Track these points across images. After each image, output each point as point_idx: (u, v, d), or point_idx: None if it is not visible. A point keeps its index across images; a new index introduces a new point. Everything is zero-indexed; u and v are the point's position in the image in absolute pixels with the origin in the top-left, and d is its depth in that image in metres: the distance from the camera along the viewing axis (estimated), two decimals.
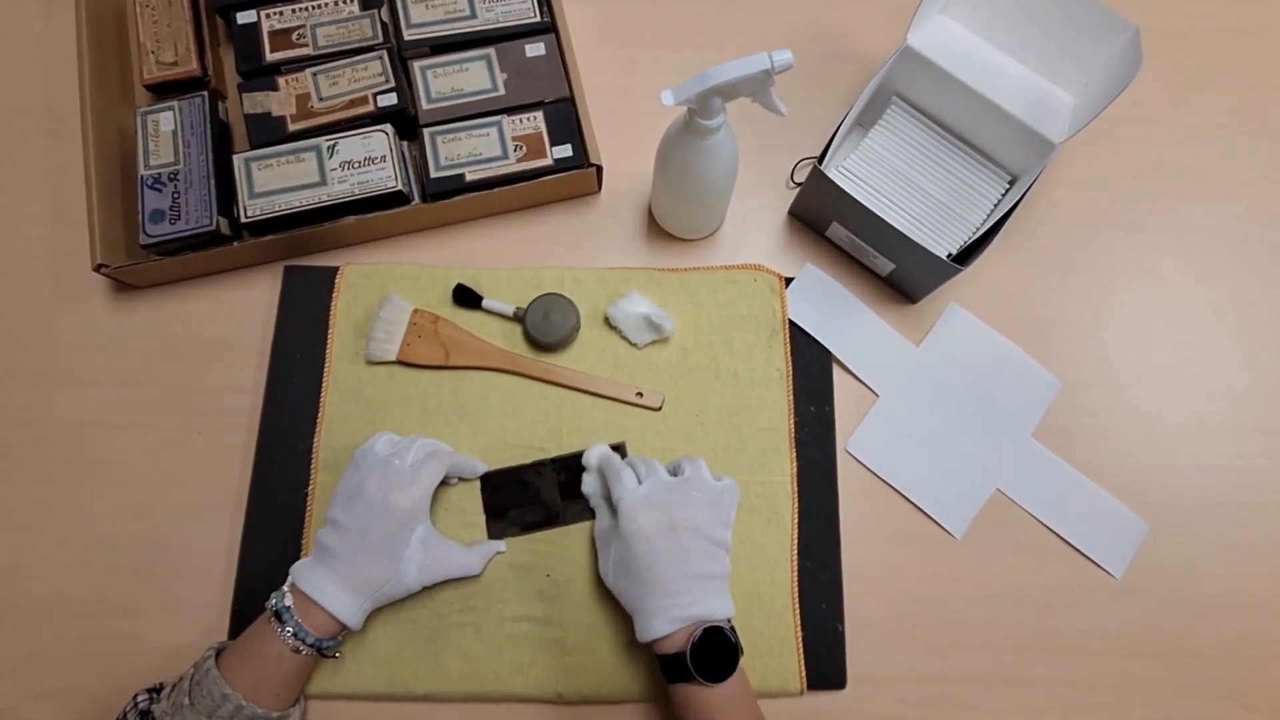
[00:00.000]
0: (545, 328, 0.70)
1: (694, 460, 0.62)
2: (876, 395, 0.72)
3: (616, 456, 0.65)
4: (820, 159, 0.68)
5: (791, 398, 0.71)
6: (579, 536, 0.67)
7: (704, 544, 0.58)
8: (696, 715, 0.55)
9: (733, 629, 0.57)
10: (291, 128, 0.72)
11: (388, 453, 0.61)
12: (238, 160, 0.71)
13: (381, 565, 0.58)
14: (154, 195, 0.69)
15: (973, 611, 0.68)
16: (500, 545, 0.66)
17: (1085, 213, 0.78)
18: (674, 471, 0.62)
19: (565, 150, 0.73)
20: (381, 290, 0.71)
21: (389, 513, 0.58)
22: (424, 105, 0.74)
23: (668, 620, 0.56)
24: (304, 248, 0.73)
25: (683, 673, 0.55)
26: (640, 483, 0.60)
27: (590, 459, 0.65)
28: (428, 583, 0.61)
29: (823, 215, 0.73)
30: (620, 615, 0.64)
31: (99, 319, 0.72)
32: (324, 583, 0.57)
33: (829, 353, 0.72)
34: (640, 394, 0.70)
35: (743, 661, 0.56)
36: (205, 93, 0.73)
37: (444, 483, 0.65)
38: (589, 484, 0.65)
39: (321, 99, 0.73)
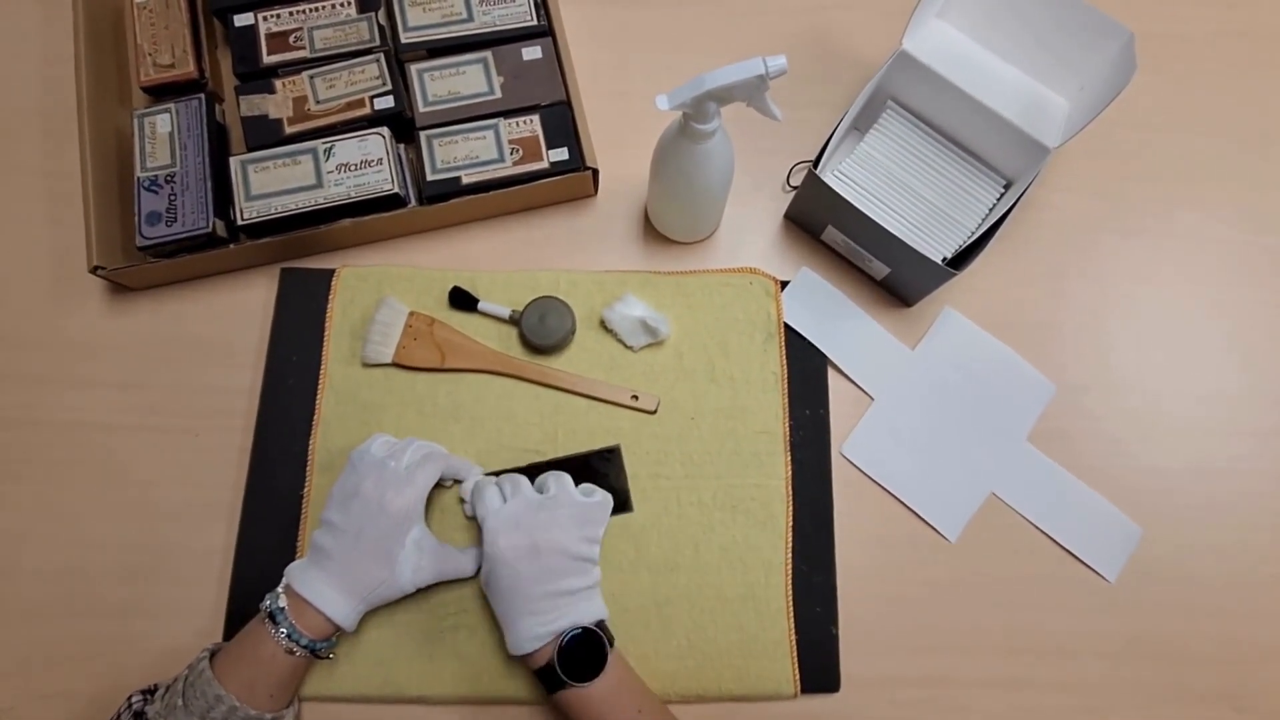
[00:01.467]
0: (541, 330, 0.70)
1: (559, 476, 0.62)
2: (871, 399, 0.72)
3: (487, 478, 0.65)
4: (816, 163, 0.68)
5: (786, 401, 0.71)
6: None
7: (567, 562, 0.58)
8: (583, 716, 0.57)
9: (600, 626, 0.58)
10: (288, 130, 0.72)
11: (384, 454, 0.61)
12: (234, 162, 0.71)
13: (376, 567, 0.58)
14: (151, 197, 0.70)
15: (966, 615, 0.68)
16: None
17: (1080, 217, 0.78)
18: (540, 489, 0.62)
19: (561, 153, 0.73)
20: (378, 292, 0.72)
21: (384, 514, 0.58)
22: (421, 108, 0.74)
23: (533, 638, 0.57)
24: (300, 250, 0.73)
25: (558, 681, 0.56)
26: (505, 501, 0.61)
27: (465, 488, 0.66)
28: (422, 584, 0.61)
29: (818, 219, 0.73)
30: (613, 618, 0.64)
31: (95, 321, 0.72)
32: (318, 584, 0.57)
33: (824, 356, 0.72)
34: (635, 397, 0.70)
35: (615, 654, 0.58)
36: (202, 95, 0.73)
37: (439, 485, 0.65)
38: (467, 508, 0.65)
39: (318, 101, 0.73)
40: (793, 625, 0.66)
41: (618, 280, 0.73)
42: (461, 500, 0.66)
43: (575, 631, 0.57)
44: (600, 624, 0.59)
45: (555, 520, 0.59)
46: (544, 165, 0.73)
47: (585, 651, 0.57)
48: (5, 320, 0.72)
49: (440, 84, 0.74)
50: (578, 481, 0.67)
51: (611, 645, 0.58)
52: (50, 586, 0.66)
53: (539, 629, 0.57)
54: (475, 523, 0.66)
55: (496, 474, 0.67)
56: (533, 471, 0.68)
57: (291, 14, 0.75)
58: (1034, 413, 0.73)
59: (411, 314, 0.71)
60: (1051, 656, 0.67)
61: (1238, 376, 0.75)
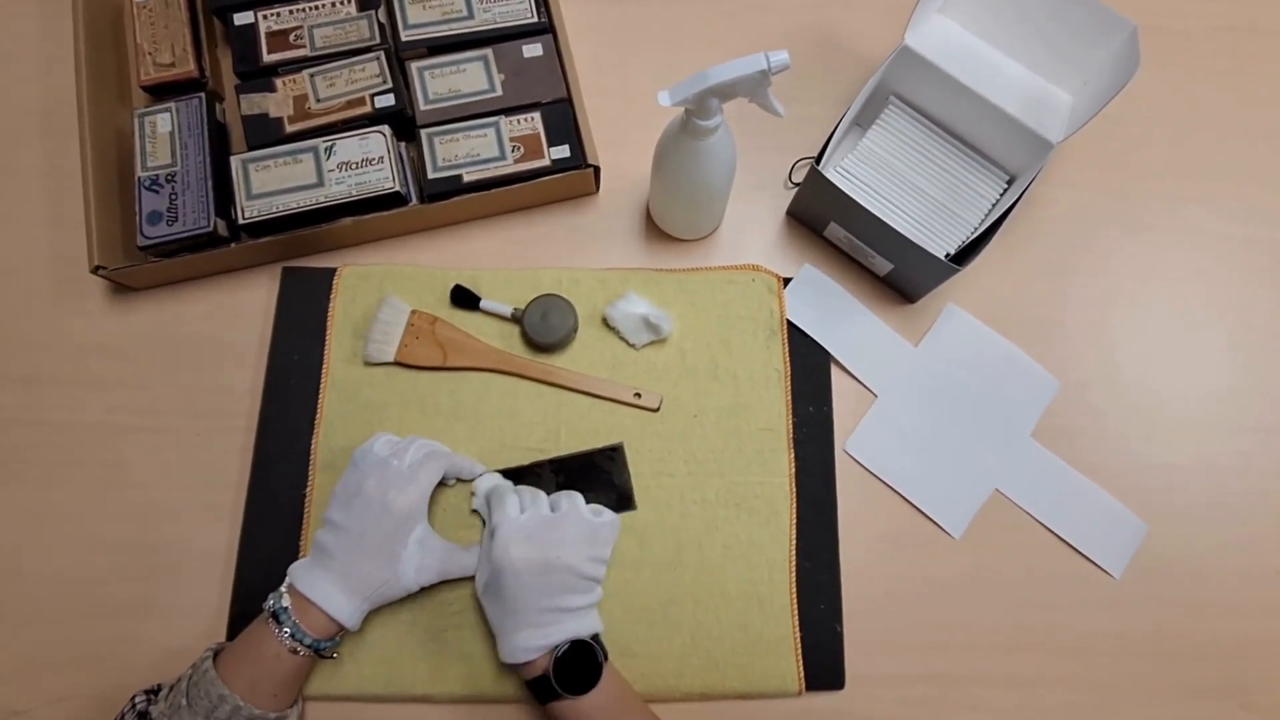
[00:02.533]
0: (543, 328, 0.70)
1: (570, 495, 0.62)
2: (875, 395, 0.72)
3: (508, 484, 0.65)
4: (818, 159, 0.68)
5: (789, 398, 0.71)
6: None
7: (573, 579, 0.58)
8: None
9: (595, 639, 0.58)
10: (289, 129, 0.72)
11: (386, 453, 0.61)
12: (235, 161, 0.71)
13: (379, 566, 0.58)
14: (151, 197, 0.69)
15: (971, 612, 0.68)
16: None
17: (1083, 212, 0.78)
18: (553, 506, 0.62)
19: (563, 151, 0.73)
20: (379, 291, 0.71)
21: (387, 513, 0.58)
22: (421, 106, 0.74)
23: (529, 649, 0.57)
24: (302, 249, 0.73)
25: (550, 691, 0.56)
26: (522, 512, 0.60)
27: (481, 485, 0.65)
28: (426, 583, 0.61)
29: (821, 215, 0.73)
30: (617, 616, 0.64)
31: (97, 321, 0.72)
32: (322, 583, 0.57)
33: (827, 353, 0.72)
34: (638, 395, 0.70)
35: (609, 668, 0.58)
36: (203, 94, 0.73)
37: (442, 484, 0.65)
38: (477, 502, 0.65)
39: (319, 100, 0.73)
40: (797, 623, 0.66)
41: (620, 278, 0.73)
42: (472, 494, 0.66)
43: (570, 644, 0.57)
44: (595, 638, 0.59)
45: (566, 538, 0.59)
46: (545, 163, 0.72)
47: (579, 664, 0.57)
48: (6, 320, 0.72)
49: (441, 82, 0.74)
50: (583, 480, 0.67)
51: (605, 659, 0.58)
52: (52, 587, 0.66)
53: (535, 641, 0.57)
54: (479, 518, 0.66)
55: (511, 471, 0.67)
56: (537, 469, 0.68)
57: (291, 12, 0.75)
58: (1038, 409, 0.72)
59: (413, 313, 0.71)
60: (1056, 653, 0.67)
61: (1242, 372, 0.75)
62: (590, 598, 0.60)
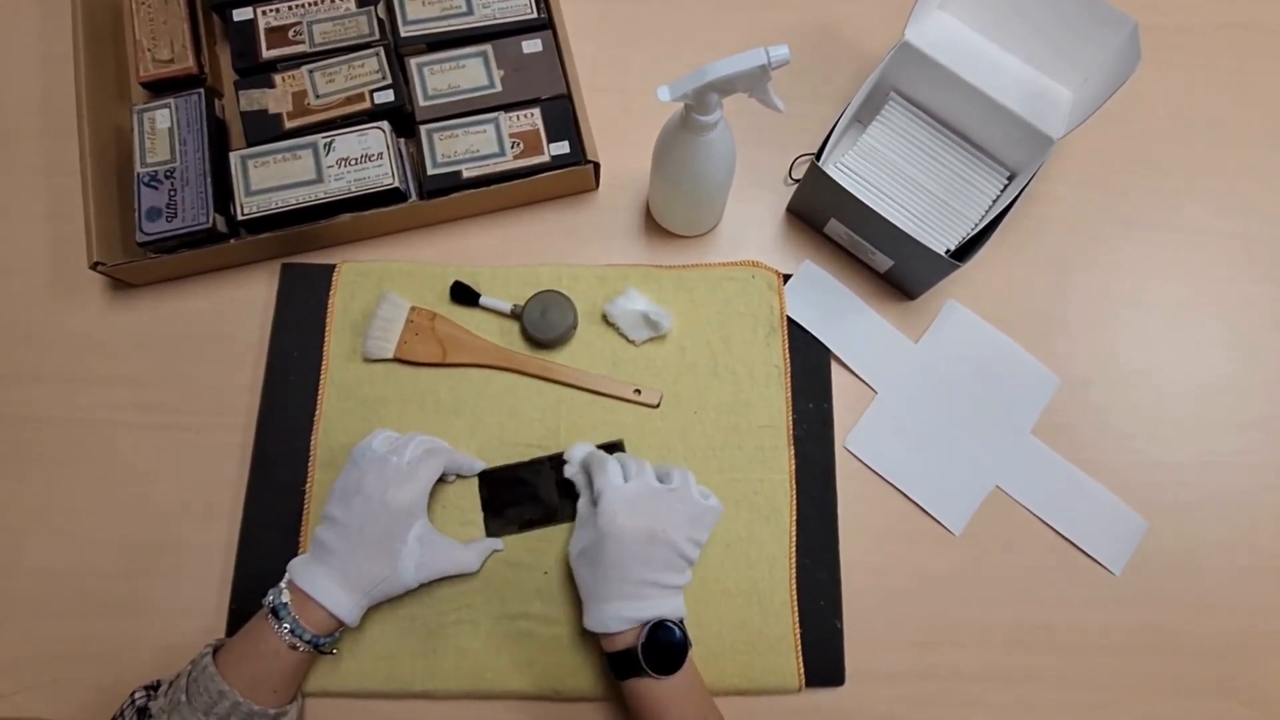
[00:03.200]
0: (543, 325, 0.69)
1: (684, 471, 0.62)
2: (875, 392, 0.72)
3: (602, 451, 0.65)
4: (818, 155, 0.68)
5: (790, 395, 0.71)
6: None
7: (673, 556, 0.58)
8: (649, 708, 0.56)
9: (680, 624, 0.58)
10: (288, 125, 0.72)
11: (386, 449, 0.61)
12: (234, 158, 0.71)
13: (379, 562, 0.58)
14: (150, 193, 0.69)
15: (971, 608, 0.68)
16: (498, 543, 0.66)
17: (1084, 208, 0.78)
18: (662, 478, 0.61)
19: (562, 147, 0.73)
20: (379, 288, 0.71)
21: (386, 510, 0.58)
22: (421, 102, 0.73)
23: (620, 620, 0.57)
24: (301, 245, 0.73)
25: (633, 668, 0.56)
26: (626, 480, 0.60)
27: (574, 453, 0.65)
28: (425, 580, 0.61)
29: (821, 212, 0.73)
30: None
31: (96, 317, 0.72)
32: (321, 579, 0.57)
33: (827, 350, 0.72)
34: (638, 391, 0.70)
35: (692, 654, 0.57)
36: (201, 90, 0.72)
37: (441, 480, 0.65)
38: (570, 470, 0.65)
39: (318, 96, 0.73)
40: (797, 619, 0.66)
41: (619, 274, 0.73)
42: (564, 463, 0.65)
43: (664, 622, 0.56)
44: (680, 621, 0.58)
45: (674, 513, 0.59)
46: (545, 159, 0.72)
47: (663, 645, 0.56)
48: (5, 316, 0.72)
49: (440, 78, 0.74)
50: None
51: (690, 644, 0.57)
52: (52, 583, 0.66)
53: (628, 612, 0.56)
54: (478, 515, 0.66)
55: (499, 471, 0.67)
56: (536, 466, 0.68)
57: (290, 8, 0.75)
58: (1038, 406, 0.72)
59: (413, 309, 0.71)
60: (1056, 650, 0.67)
61: (1243, 369, 0.74)
62: (683, 578, 0.59)
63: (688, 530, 0.59)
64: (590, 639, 0.63)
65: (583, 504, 0.63)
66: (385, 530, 0.58)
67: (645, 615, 0.57)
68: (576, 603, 0.65)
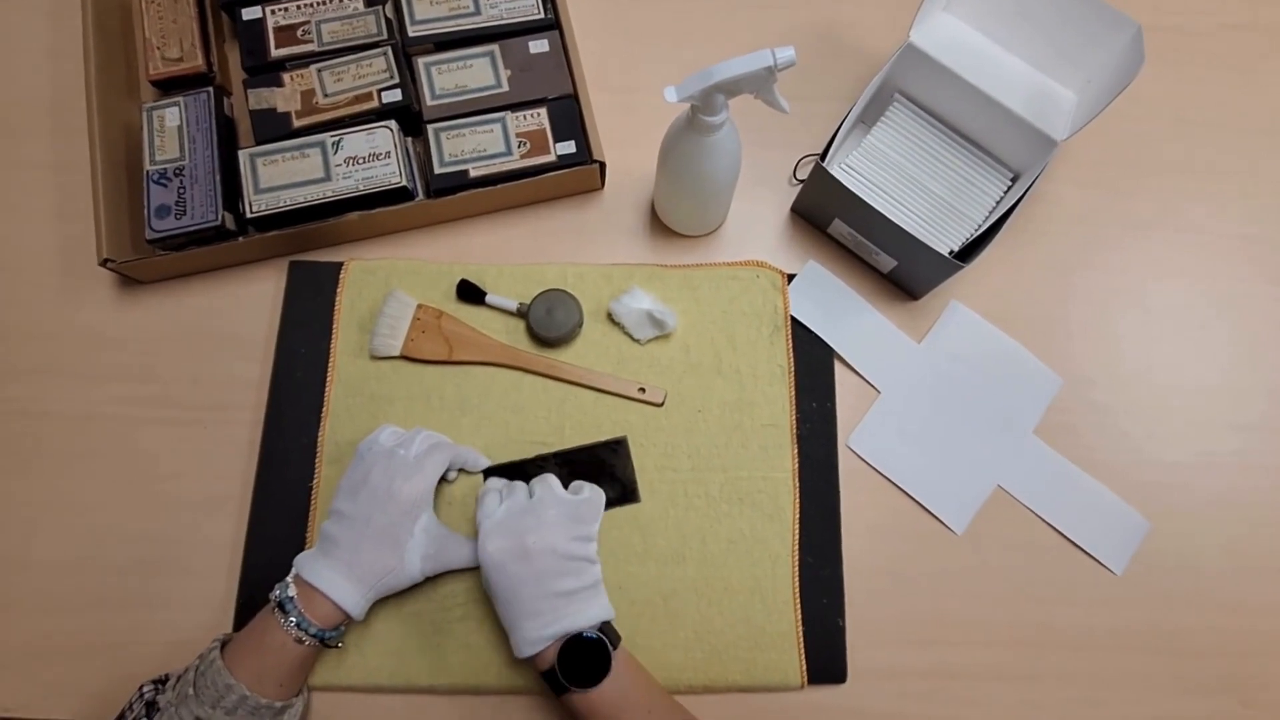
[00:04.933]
0: (548, 323, 0.70)
1: (544, 479, 0.62)
2: (878, 391, 0.72)
3: (494, 482, 0.64)
4: (823, 156, 0.68)
5: (793, 393, 0.71)
6: None
7: (559, 562, 0.57)
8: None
9: (603, 629, 0.57)
10: (296, 124, 0.72)
11: (392, 444, 0.62)
12: (243, 156, 0.71)
13: (385, 554, 0.59)
14: (160, 190, 0.70)
15: (973, 607, 0.68)
16: None
17: (1087, 210, 0.78)
18: (530, 494, 0.61)
19: (569, 147, 0.73)
20: (385, 285, 0.72)
21: (393, 501, 0.59)
22: (428, 101, 0.74)
23: (532, 641, 0.56)
24: (309, 243, 0.74)
25: (560, 685, 0.56)
26: (500, 504, 0.60)
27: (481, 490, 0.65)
28: (430, 573, 0.61)
29: (825, 212, 0.73)
30: (621, 610, 0.64)
31: (105, 313, 0.73)
32: (327, 572, 0.57)
33: (831, 349, 0.73)
34: (643, 389, 0.70)
35: (618, 655, 0.57)
36: (210, 89, 0.73)
37: (443, 479, 0.65)
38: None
39: (326, 95, 0.73)
40: (799, 617, 0.66)
41: (625, 273, 0.73)
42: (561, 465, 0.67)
43: (575, 634, 0.56)
44: (605, 625, 0.58)
45: (543, 521, 0.58)
46: (551, 158, 0.73)
47: (589, 653, 0.56)
48: (15, 312, 0.73)
49: (447, 77, 0.75)
50: (587, 473, 0.67)
51: (615, 646, 0.57)
52: (61, 577, 0.67)
53: (539, 631, 0.56)
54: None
55: (503, 467, 0.68)
56: (541, 463, 0.68)
57: (299, 7, 0.76)
58: (1040, 406, 0.73)
59: (419, 307, 0.71)
60: (1058, 649, 0.67)
61: (1245, 370, 0.75)
62: (584, 579, 0.58)
63: (566, 530, 0.58)
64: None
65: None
66: (391, 522, 0.59)
67: (555, 630, 0.56)
68: None
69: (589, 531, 0.60)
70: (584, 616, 0.57)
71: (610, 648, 0.57)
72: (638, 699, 0.57)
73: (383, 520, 0.59)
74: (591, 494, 0.61)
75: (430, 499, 0.61)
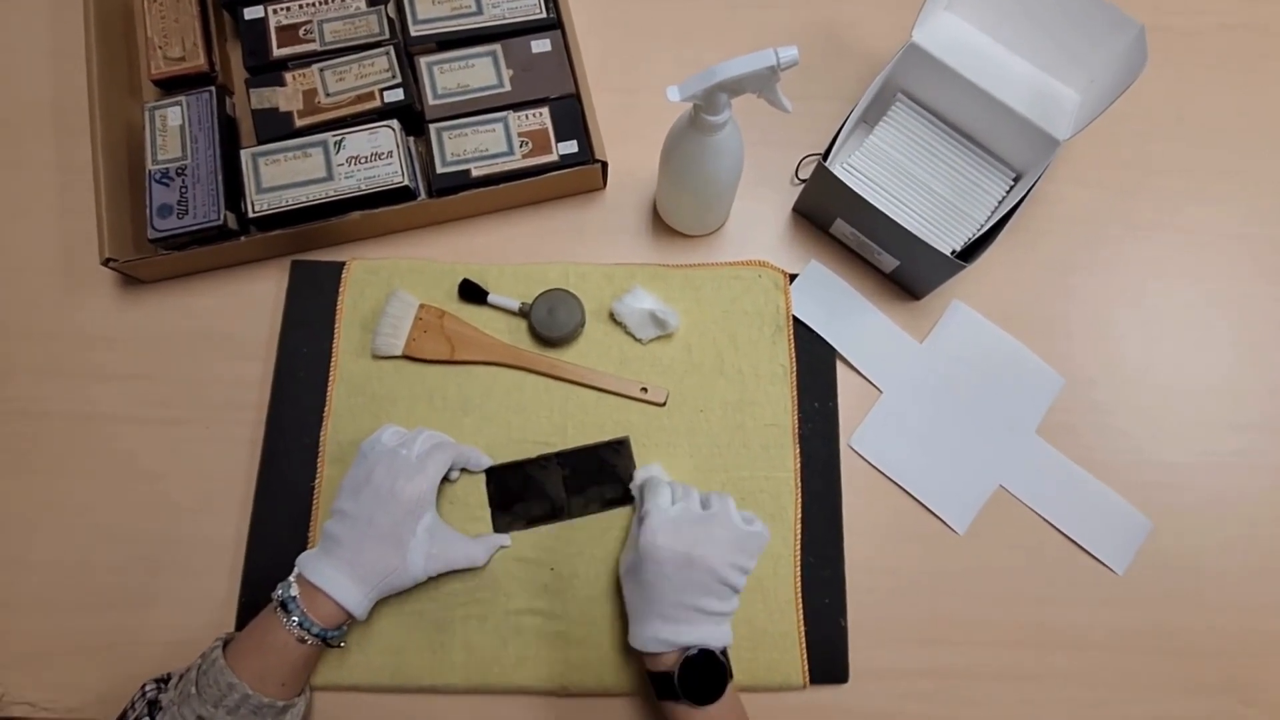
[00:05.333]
0: (550, 323, 0.70)
1: (723, 497, 0.61)
2: (880, 391, 0.72)
3: (664, 474, 0.66)
4: (825, 155, 0.68)
5: (795, 393, 0.71)
6: (583, 531, 0.67)
7: (713, 582, 0.57)
8: None
9: (725, 654, 0.57)
10: (298, 123, 0.72)
11: (394, 443, 0.62)
12: (245, 155, 0.71)
13: (387, 553, 0.59)
14: (162, 190, 0.70)
15: (975, 607, 0.68)
16: (505, 539, 0.66)
17: (1089, 210, 0.78)
18: (704, 504, 0.61)
19: (571, 146, 0.73)
20: (388, 285, 0.72)
21: (396, 501, 0.59)
22: (430, 101, 0.74)
23: (658, 642, 0.57)
24: (311, 243, 0.74)
25: (670, 691, 0.56)
26: (673, 503, 0.60)
27: (640, 473, 0.67)
28: (433, 572, 0.61)
29: (827, 212, 0.73)
30: (623, 611, 0.64)
31: (107, 313, 0.73)
32: (330, 571, 0.57)
33: (833, 349, 0.73)
34: (645, 389, 0.70)
35: (733, 686, 0.57)
36: (213, 88, 0.73)
37: (445, 478, 0.65)
38: (633, 486, 0.66)
39: (328, 94, 0.73)
40: (801, 617, 0.66)
41: (627, 273, 0.73)
42: (630, 479, 0.67)
43: (701, 651, 0.56)
44: (724, 651, 0.58)
45: (714, 538, 0.58)
46: (553, 158, 0.73)
47: (704, 672, 0.56)
48: (17, 312, 0.73)
49: (449, 77, 0.75)
50: (589, 473, 0.67)
51: (731, 676, 0.57)
52: (63, 577, 0.67)
53: (666, 634, 0.56)
54: (486, 513, 0.66)
55: (506, 467, 0.68)
56: (543, 462, 0.68)
57: (301, 7, 0.76)
58: (1042, 406, 0.73)
59: (421, 306, 0.71)
60: (1060, 649, 0.67)
61: (1247, 370, 0.75)
62: (727, 605, 0.58)
63: (729, 556, 0.58)
64: (630, 654, 0.63)
65: (634, 523, 0.63)
66: (394, 521, 0.59)
67: (684, 640, 0.56)
68: (583, 600, 0.65)
69: (748, 565, 0.59)
70: (714, 637, 0.57)
71: (728, 673, 0.57)
72: None
73: (385, 520, 0.59)
74: (762, 530, 0.61)
75: (433, 498, 0.61)
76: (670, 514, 0.59)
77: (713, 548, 0.57)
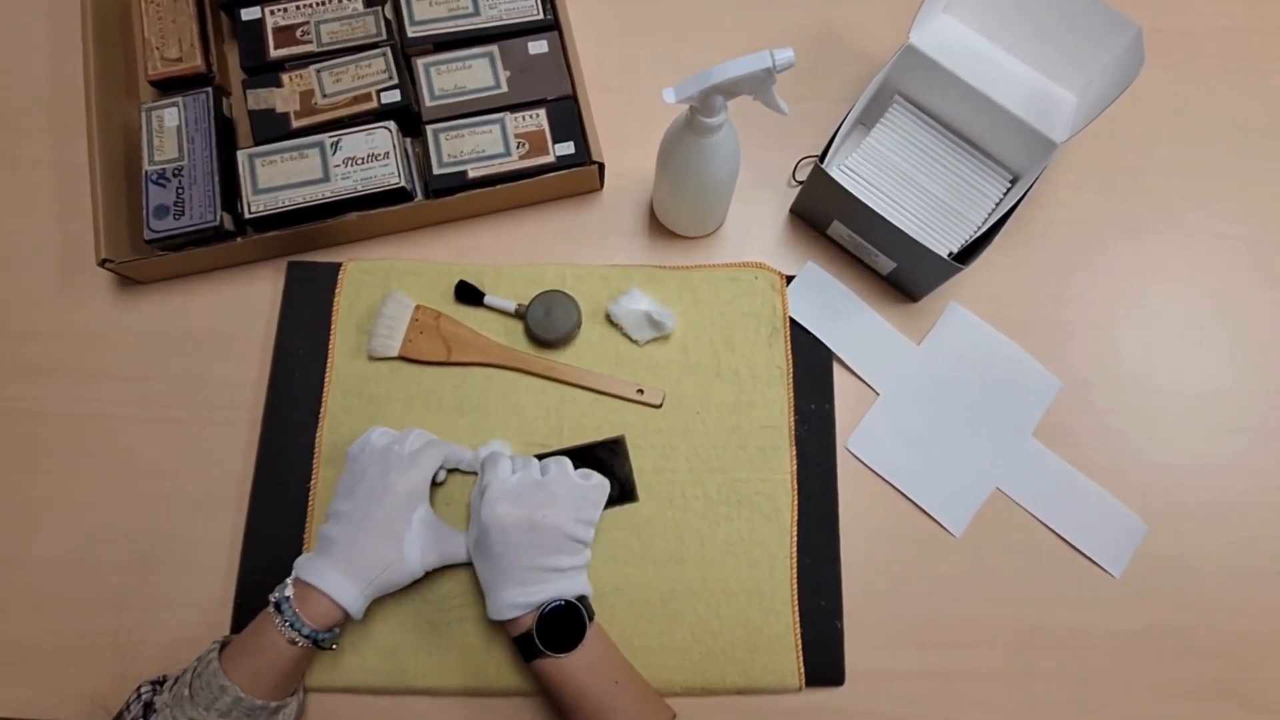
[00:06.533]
0: (547, 324, 0.70)
1: (560, 460, 0.63)
2: (877, 393, 0.72)
3: (504, 449, 0.67)
4: (822, 157, 0.68)
5: (792, 395, 0.71)
6: None
7: (561, 540, 0.60)
8: (555, 686, 0.58)
9: (584, 602, 0.59)
10: (295, 124, 0.72)
11: (386, 442, 0.62)
12: (242, 156, 0.71)
13: (383, 546, 0.59)
14: (158, 191, 0.70)
15: (971, 609, 0.68)
16: None
17: (1086, 212, 0.78)
18: (542, 471, 0.63)
19: (567, 148, 0.73)
20: (384, 286, 0.72)
21: (389, 494, 0.59)
22: (427, 102, 0.74)
23: (516, 607, 0.58)
24: (307, 244, 0.74)
25: (533, 650, 0.57)
26: (513, 473, 0.62)
27: (481, 450, 0.67)
28: (430, 566, 0.61)
29: (824, 214, 0.73)
30: (618, 610, 0.64)
31: (103, 313, 0.73)
32: (324, 569, 0.57)
33: (830, 351, 0.73)
34: (641, 391, 0.70)
35: (592, 627, 0.59)
36: (209, 89, 0.73)
37: (433, 482, 0.65)
38: (476, 465, 0.66)
39: (325, 95, 0.73)
40: (797, 619, 0.66)
41: (623, 274, 0.73)
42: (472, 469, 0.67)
43: (556, 603, 0.58)
44: (582, 599, 0.60)
45: (555, 498, 0.60)
46: (550, 159, 0.73)
47: (565, 624, 0.58)
48: (14, 312, 0.73)
49: (446, 78, 0.74)
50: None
51: (591, 619, 0.59)
52: (59, 577, 0.67)
53: (521, 598, 0.58)
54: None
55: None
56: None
57: (298, 8, 0.75)
58: (1039, 408, 0.72)
59: (418, 308, 0.71)
60: (1056, 651, 0.67)
61: (1244, 373, 0.75)
62: (578, 559, 0.61)
63: (573, 512, 0.60)
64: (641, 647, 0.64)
65: (473, 496, 0.64)
66: (388, 514, 0.59)
67: (539, 598, 0.58)
68: None
69: (592, 516, 0.62)
70: (569, 589, 0.59)
71: (587, 617, 0.59)
72: (606, 671, 0.59)
73: (380, 513, 0.59)
74: (599, 481, 0.64)
75: (426, 491, 0.61)
76: (510, 483, 0.61)
77: (555, 507, 0.60)
